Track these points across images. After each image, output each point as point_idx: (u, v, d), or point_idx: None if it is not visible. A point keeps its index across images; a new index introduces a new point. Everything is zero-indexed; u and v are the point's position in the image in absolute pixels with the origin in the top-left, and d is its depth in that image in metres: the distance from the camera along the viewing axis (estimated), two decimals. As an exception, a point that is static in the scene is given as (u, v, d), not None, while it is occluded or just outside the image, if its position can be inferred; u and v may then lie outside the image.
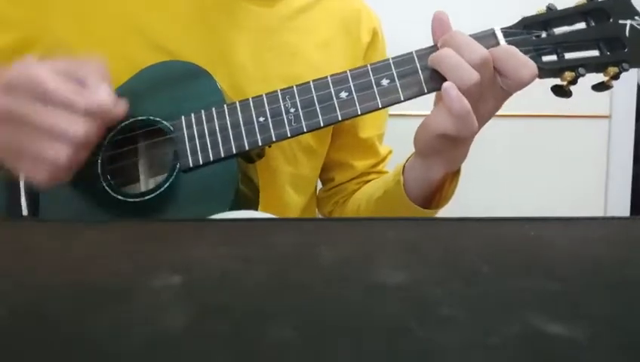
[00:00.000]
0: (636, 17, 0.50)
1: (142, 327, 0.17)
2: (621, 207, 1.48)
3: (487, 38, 0.51)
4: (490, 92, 0.50)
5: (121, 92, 0.56)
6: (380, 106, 0.51)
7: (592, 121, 1.42)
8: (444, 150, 0.53)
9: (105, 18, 0.60)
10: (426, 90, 0.51)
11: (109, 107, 0.45)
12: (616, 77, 0.51)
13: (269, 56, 0.64)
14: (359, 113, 0.51)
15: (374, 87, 0.51)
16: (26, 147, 0.43)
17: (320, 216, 0.82)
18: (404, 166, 0.60)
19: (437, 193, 0.60)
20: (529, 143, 1.35)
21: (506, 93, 0.51)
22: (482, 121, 0.51)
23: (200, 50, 0.60)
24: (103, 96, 0.44)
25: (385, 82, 0.51)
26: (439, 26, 0.52)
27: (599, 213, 1.48)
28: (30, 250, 0.28)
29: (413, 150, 0.58)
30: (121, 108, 0.47)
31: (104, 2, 0.60)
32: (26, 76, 0.43)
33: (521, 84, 0.49)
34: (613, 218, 0.57)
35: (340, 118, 0.51)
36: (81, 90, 0.44)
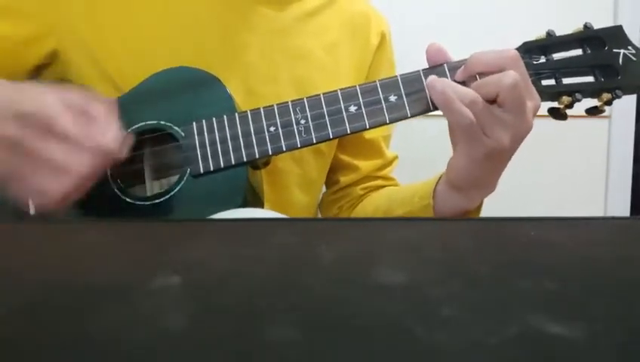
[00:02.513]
0: (629, 47, 0.52)
1: (142, 327, 0.17)
2: (621, 207, 1.48)
3: None
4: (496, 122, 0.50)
5: (132, 96, 0.56)
6: (388, 122, 0.53)
7: (592, 121, 1.42)
8: (483, 178, 0.54)
9: (118, 15, 0.60)
10: (432, 108, 0.52)
11: (115, 149, 0.46)
12: (609, 102, 0.53)
13: (279, 57, 0.65)
14: (367, 127, 0.53)
15: (383, 102, 0.53)
16: (29, 176, 0.44)
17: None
18: (434, 191, 0.59)
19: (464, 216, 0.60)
20: (529, 143, 1.35)
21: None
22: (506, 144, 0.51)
23: (213, 51, 0.61)
24: (110, 138, 0.45)
25: (393, 98, 0.53)
26: (435, 56, 0.53)
27: (599, 213, 1.48)
28: (30, 250, 0.28)
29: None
30: (125, 149, 0.47)
31: (119, 0, 0.60)
32: (38, 108, 0.43)
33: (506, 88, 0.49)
34: (613, 218, 0.57)
35: (348, 131, 0.53)
36: (89, 128, 0.45)
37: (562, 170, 1.43)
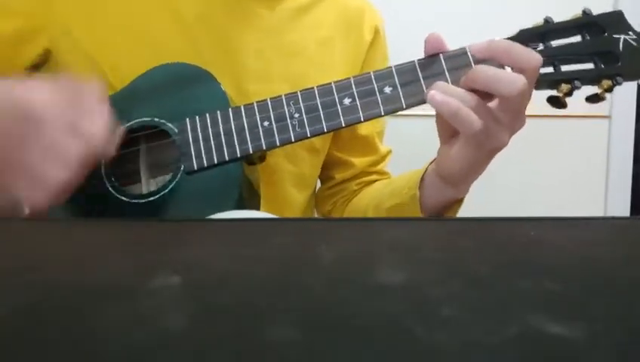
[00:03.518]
0: (629, 32, 0.51)
1: (142, 327, 0.17)
2: (621, 207, 1.48)
3: None
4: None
5: (126, 93, 0.56)
6: (383, 114, 0.52)
7: (592, 121, 1.42)
8: (476, 172, 0.54)
9: (110, 14, 0.60)
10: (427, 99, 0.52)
11: (105, 141, 0.45)
12: (609, 89, 0.52)
13: (271, 55, 0.64)
14: (362, 120, 0.52)
15: (377, 94, 0.52)
16: (29, 167, 0.43)
17: (317, 215, 0.82)
18: (421, 181, 0.60)
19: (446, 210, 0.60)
20: (529, 143, 1.35)
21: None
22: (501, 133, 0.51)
23: (207, 49, 0.61)
24: (102, 128, 0.45)
25: (387, 90, 0.52)
26: (433, 44, 0.53)
27: (599, 213, 1.48)
28: (30, 249, 0.28)
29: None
30: (116, 141, 0.47)
31: None
32: (29, 102, 0.43)
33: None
34: (613, 218, 0.57)
35: (343, 125, 0.52)
36: (82, 117, 0.44)
37: (562, 170, 1.43)
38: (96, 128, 0.45)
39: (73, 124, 0.43)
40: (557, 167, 1.42)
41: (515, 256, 0.26)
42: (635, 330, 0.17)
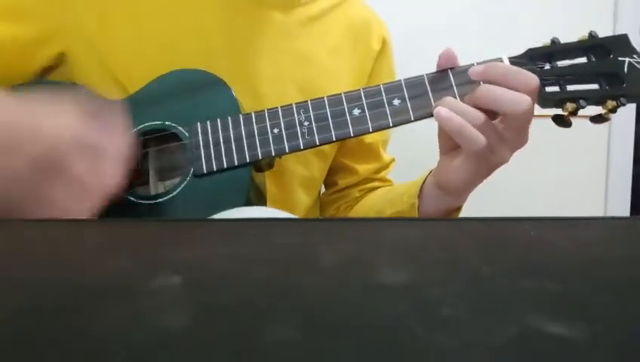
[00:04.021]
0: (634, 55, 0.52)
1: (142, 327, 0.17)
2: (621, 207, 1.48)
3: None
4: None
5: (138, 97, 0.57)
6: (391, 125, 0.53)
7: (592, 121, 1.42)
8: (477, 184, 0.55)
9: (126, 17, 0.60)
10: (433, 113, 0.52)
11: (128, 153, 0.47)
12: (614, 110, 0.53)
13: (284, 60, 0.65)
14: (371, 131, 0.53)
15: (386, 106, 0.53)
16: (55, 202, 0.43)
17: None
18: (420, 190, 0.60)
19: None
20: (529, 143, 1.35)
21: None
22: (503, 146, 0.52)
23: (220, 54, 0.61)
24: (124, 143, 0.46)
25: (396, 102, 0.53)
26: (447, 59, 0.54)
27: (599, 213, 1.48)
28: (30, 249, 0.28)
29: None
30: (132, 151, 0.49)
31: (127, 3, 0.61)
32: (63, 133, 0.43)
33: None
34: (613, 218, 0.57)
35: (352, 134, 0.53)
36: (106, 137, 0.45)
37: (562, 170, 1.43)
38: (118, 152, 0.46)
39: (96, 156, 0.44)
40: (557, 167, 1.42)
41: (515, 256, 0.26)
42: (635, 330, 0.17)
